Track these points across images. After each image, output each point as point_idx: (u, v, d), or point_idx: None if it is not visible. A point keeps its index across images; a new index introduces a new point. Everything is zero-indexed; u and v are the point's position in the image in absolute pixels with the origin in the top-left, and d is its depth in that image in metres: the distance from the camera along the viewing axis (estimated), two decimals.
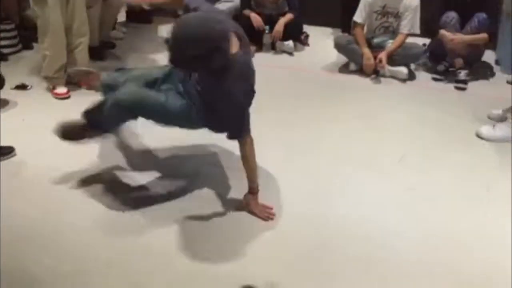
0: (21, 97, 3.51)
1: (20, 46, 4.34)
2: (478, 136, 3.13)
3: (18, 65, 4.06)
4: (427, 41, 4.31)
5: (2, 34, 4.23)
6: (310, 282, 1.98)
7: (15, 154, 2.79)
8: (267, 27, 4.45)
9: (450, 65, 4.06)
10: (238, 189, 2.51)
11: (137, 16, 5.15)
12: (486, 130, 3.12)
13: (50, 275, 1.98)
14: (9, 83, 3.52)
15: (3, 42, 4.24)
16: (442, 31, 3.93)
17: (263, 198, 2.48)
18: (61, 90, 3.55)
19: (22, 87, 3.64)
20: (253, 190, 2.38)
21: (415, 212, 2.44)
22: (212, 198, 2.51)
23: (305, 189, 2.60)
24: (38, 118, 3.21)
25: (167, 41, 2.00)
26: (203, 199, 2.50)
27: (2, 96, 3.39)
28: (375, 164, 2.83)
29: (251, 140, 2.32)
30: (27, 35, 4.29)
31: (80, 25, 3.57)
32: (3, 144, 2.79)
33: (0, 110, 3.30)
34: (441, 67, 4.07)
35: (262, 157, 2.82)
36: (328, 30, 5.07)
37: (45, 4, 3.32)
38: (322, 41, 4.77)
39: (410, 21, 3.97)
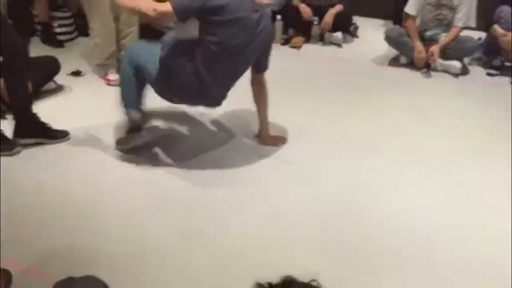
0: (75, 83, 3.64)
1: (76, 33, 4.50)
2: None
3: (74, 52, 4.21)
4: (483, 34, 4.16)
5: (59, 22, 4.40)
6: (349, 274, 1.97)
7: (69, 138, 2.91)
8: (316, 18, 4.41)
9: (506, 59, 3.90)
10: (279, 182, 2.52)
11: None
12: None
13: (103, 256, 2.06)
14: (65, 69, 3.66)
15: (60, 29, 4.40)
16: (495, 26, 3.78)
17: (304, 188, 2.49)
18: (113, 76, 3.66)
19: (76, 73, 3.78)
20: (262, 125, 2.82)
21: (460, 208, 2.39)
22: (254, 189, 2.53)
23: (348, 180, 2.58)
24: (90, 103, 3.33)
25: None
26: (243, 190, 2.53)
27: (58, 82, 3.54)
28: (423, 158, 2.78)
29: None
30: (84, 23, 4.43)
31: (129, 15, 3.65)
32: (58, 127, 2.92)
33: (56, 94, 3.45)
34: (496, 62, 3.92)
35: (307, 147, 2.84)
36: (378, 21, 4.96)
37: None
38: (371, 33, 4.68)
39: (466, 14, 3.83)
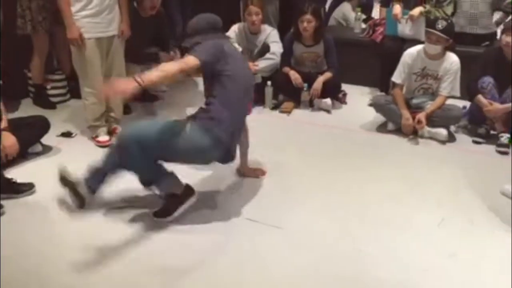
0: (65, 144, 3.63)
1: (68, 95, 4.55)
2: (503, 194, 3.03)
3: (65, 113, 4.23)
4: (467, 103, 4.26)
5: (53, 84, 4.46)
6: None
7: (34, 191, 2.90)
8: (305, 85, 4.52)
9: (491, 128, 3.98)
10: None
11: None
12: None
13: None
14: (55, 130, 3.67)
15: (53, 91, 4.46)
16: (479, 97, 3.88)
17: (300, 255, 2.44)
18: (103, 138, 3.67)
19: (67, 134, 3.79)
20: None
21: (457, 279, 2.34)
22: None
23: (342, 250, 2.54)
24: (78, 165, 3.31)
25: None
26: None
27: (47, 143, 3.53)
28: (412, 228, 2.75)
29: None
30: (77, 85, 4.49)
31: (118, 77, 3.71)
32: (45, 188, 2.88)
33: (44, 155, 3.43)
34: (482, 130, 3.99)
35: (299, 217, 2.81)
36: (366, 89, 5.09)
37: (84, 56, 3.48)
38: (360, 99, 4.79)
39: (450, 84, 3.95)
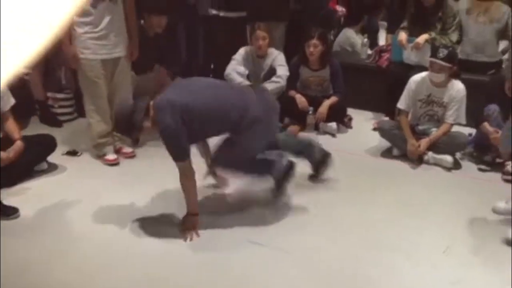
0: (70, 162, 3.65)
1: (75, 114, 4.58)
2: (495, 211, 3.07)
3: (72, 132, 4.26)
4: (473, 130, 4.26)
5: (60, 103, 4.50)
6: None
7: (18, 215, 2.84)
8: (311, 108, 4.54)
9: (497, 155, 3.97)
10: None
11: None
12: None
13: None
14: (61, 149, 3.69)
15: (60, 110, 4.49)
16: (484, 124, 3.88)
17: (303, 278, 2.42)
18: (110, 156, 3.66)
19: (72, 153, 3.79)
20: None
21: None
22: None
23: (343, 274, 2.52)
24: (84, 183, 3.32)
25: None
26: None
27: (52, 161, 3.54)
28: (417, 254, 2.73)
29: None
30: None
31: (124, 99, 3.70)
32: (50, 204, 2.87)
33: (49, 174, 3.44)
34: (487, 158, 3.98)
35: (300, 239, 2.79)
36: (371, 114, 5.10)
37: (89, 76, 3.50)
38: (365, 124, 4.80)
39: (456, 112, 3.95)
